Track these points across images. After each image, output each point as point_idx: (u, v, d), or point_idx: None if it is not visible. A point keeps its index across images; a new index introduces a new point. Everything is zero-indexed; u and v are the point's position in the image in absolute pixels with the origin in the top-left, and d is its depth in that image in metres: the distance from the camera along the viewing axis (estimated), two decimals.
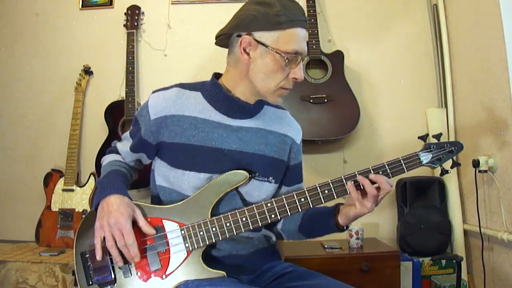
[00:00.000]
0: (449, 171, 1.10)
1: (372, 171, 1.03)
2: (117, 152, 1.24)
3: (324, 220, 1.12)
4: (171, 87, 1.13)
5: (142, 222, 1.03)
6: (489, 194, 1.87)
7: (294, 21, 1.02)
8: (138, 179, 1.28)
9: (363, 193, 1.02)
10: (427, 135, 1.11)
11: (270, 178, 1.14)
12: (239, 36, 1.05)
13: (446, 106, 2.23)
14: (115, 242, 1.00)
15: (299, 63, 1.05)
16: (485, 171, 1.83)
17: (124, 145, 1.22)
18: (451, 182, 2.12)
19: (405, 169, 1.05)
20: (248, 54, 1.05)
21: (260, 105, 1.16)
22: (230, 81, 1.11)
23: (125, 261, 1.02)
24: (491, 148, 1.85)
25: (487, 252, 1.88)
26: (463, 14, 2.12)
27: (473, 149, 1.95)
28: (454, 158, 1.11)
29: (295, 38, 1.02)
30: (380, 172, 1.03)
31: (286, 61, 1.02)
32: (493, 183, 1.82)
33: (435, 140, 1.10)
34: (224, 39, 1.11)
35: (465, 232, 2.09)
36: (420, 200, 2.08)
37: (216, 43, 1.16)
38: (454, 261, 1.68)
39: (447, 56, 2.22)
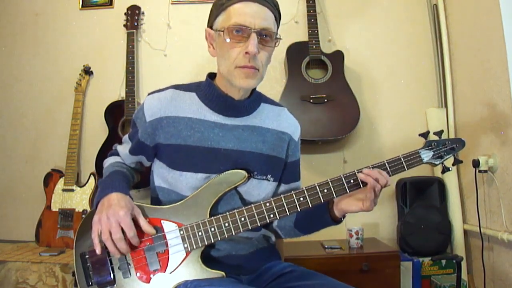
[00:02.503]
0: (450, 169, 1.09)
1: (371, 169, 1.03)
2: (117, 155, 1.24)
3: (318, 212, 1.12)
4: (166, 88, 1.14)
5: (142, 221, 1.03)
6: (489, 194, 1.87)
7: None
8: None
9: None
10: (428, 132, 1.10)
11: (269, 176, 1.13)
12: None
13: (446, 106, 2.22)
14: (111, 236, 0.98)
15: (249, 36, 1.01)
16: (485, 171, 1.83)
17: (124, 147, 1.22)
18: (451, 182, 2.12)
19: (405, 167, 1.05)
20: (213, 46, 1.10)
21: (256, 103, 1.16)
22: (220, 81, 1.12)
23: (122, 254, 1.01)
24: (491, 148, 1.85)
25: (487, 252, 1.88)
26: (463, 14, 2.11)
27: (473, 149, 1.95)
28: (455, 155, 1.11)
29: (235, 12, 1.03)
30: None
31: (229, 35, 1.02)
32: (493, 183, 1.82)
33: (436, 138, 1.09)
34: None
35: (465, 232, 2.09)
36: (420, 200, 2.08)
37: None
38: (454, 261, 1.67)
39: (447, 56, 2.22)
